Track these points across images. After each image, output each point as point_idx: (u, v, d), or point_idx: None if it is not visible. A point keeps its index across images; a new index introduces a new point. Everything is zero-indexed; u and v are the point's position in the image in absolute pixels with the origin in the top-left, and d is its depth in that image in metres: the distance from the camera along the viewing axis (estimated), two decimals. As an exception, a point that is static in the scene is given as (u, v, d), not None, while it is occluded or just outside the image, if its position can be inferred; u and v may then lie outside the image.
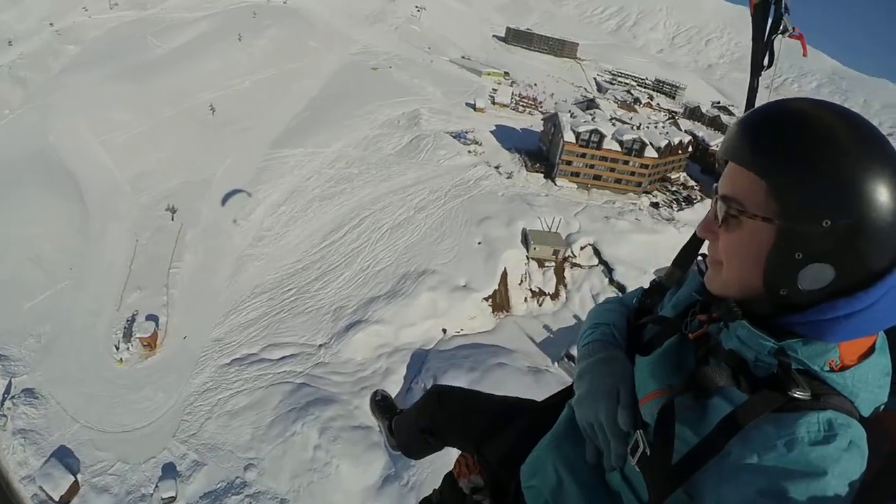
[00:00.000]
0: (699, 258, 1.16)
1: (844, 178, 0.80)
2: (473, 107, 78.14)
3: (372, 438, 33.06)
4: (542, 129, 68.97)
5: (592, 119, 64.16)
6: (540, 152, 66.76)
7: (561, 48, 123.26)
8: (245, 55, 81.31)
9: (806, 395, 0.85)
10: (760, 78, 1.58)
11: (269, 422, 35.31)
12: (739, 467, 0.84)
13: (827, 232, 0.82)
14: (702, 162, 79.50)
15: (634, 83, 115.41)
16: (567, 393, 1.42)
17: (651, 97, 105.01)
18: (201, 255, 50.79)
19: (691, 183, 75.53)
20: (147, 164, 60.12)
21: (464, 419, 1.72)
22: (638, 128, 65.92)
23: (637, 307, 1.41)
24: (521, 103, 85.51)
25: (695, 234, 1.32)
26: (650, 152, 62.67)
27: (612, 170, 62.84)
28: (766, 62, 1.51)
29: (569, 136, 59.51)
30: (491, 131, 71.51)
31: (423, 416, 1.94)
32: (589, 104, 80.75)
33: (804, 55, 1.51)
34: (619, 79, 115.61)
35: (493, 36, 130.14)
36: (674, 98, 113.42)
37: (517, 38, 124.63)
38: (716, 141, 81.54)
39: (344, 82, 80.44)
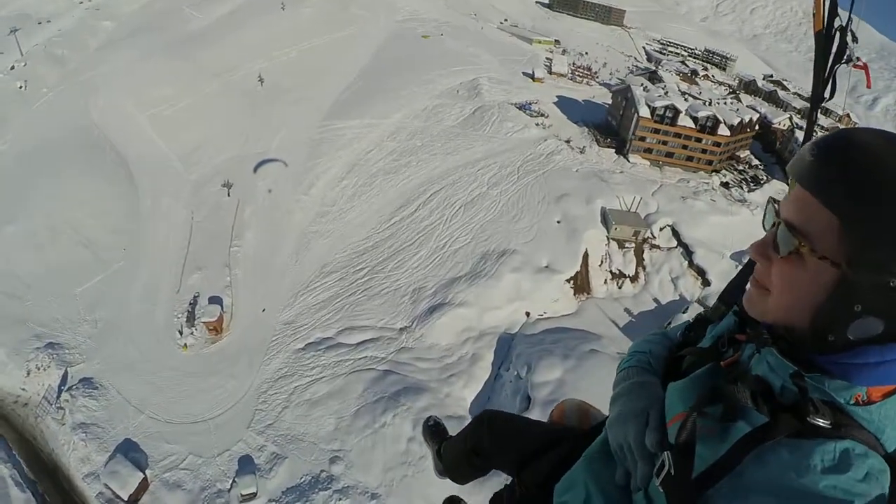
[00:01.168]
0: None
1: None
2: (532, 76, 74.62)
3: (459, 420, 31.97)
4: (609, 101, 65.86)
5: (665, 93, 61.07)
6: (609, 126, 63.79)
7: (608, 15, 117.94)
8: (289, 24, 77.57)
9: (826, 423, 0.84)
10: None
11: (353, 412, 33.73)
12: (751, 488, 0.84)
13: (892, 290, 0.80)
14: (764, 140, 76.39)
15: (685, 53, 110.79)
16: (604, 420, 1.40)
17: (705, 69, 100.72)
18: (262, 233, 48.71)
19: (755, 162, 72.80)
20: (197, 139, 57.60)
21: (508, 443, 1.81)
22: (709, 104, 62.86)
23: (681, 340, 1.44)
24: (577, 73, 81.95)
25: (742, 270, 1.39)
26: (723, 130, 59.72)
27: (685, 147, 60.00)
28: (827, 93, 1.41)
29: (644, 112, 56.59)
30: (554, 103, 68.17)
31: (472, 438, 2.03)
32: (651, 76, 77.25)
33: (868, 87, 1.93)
34: (669, 48, 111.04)
35: (536, 2, 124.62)
36: (724, 70, 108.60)
37: (562, 4, 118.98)
38: (779, 119, 78.32)
39: (395, 51, 76.79)
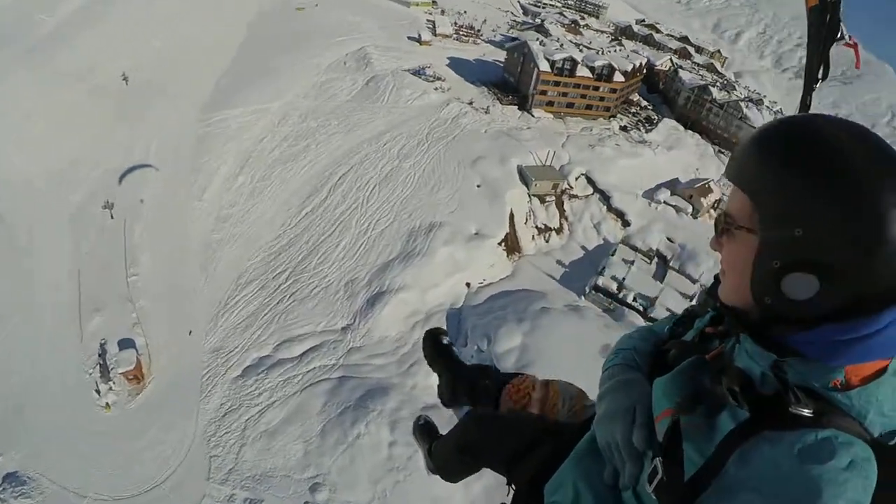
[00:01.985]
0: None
1: (814, 185, 0.84)
2: (418, 40, 72.69)
3: (446, 414, 30.72)
4: (501, 59, 66.13)
5: (561, 46, 62.34)
6: (507, 83, 64.02)
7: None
8: (150, 12, 68.62)
9: (808, 412, 0.86)
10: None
11: (319, 431, 31.08)
12: (737, 486, 0.85)
13: (799, 239, 0.87)
14: (648, 82, 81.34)
15: (560, 4, 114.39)
16: (593, 417, 1.42)
17: (583, 17, 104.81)
18: (160, 253, 42.89)
19: (644, 103, 77.30)
20: (68, 156, 49.22)
21: (497, 441, 1.77)
22: (601, 52, 65.24)
23: (668, 335, 1.45)
24: (461, 33, 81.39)
25: None
26: (618, 77, 62.52)
27: (584, 96, 62.06)
28: (820, 74, 1.42)
29: (544, 66, 57.42)
30: (447, 65, 66.97)
31: (461, 437, 1.99)
32: (538, 28, 78.61)
33: (857, 67, 1.47)
34: (544, 1, 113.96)
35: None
36: (598, 17, 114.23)
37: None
38: (661, 60, 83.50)
39: (269, 27, 71.00)
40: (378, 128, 54.84)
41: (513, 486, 1.65)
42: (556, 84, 59.44)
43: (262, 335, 37.48)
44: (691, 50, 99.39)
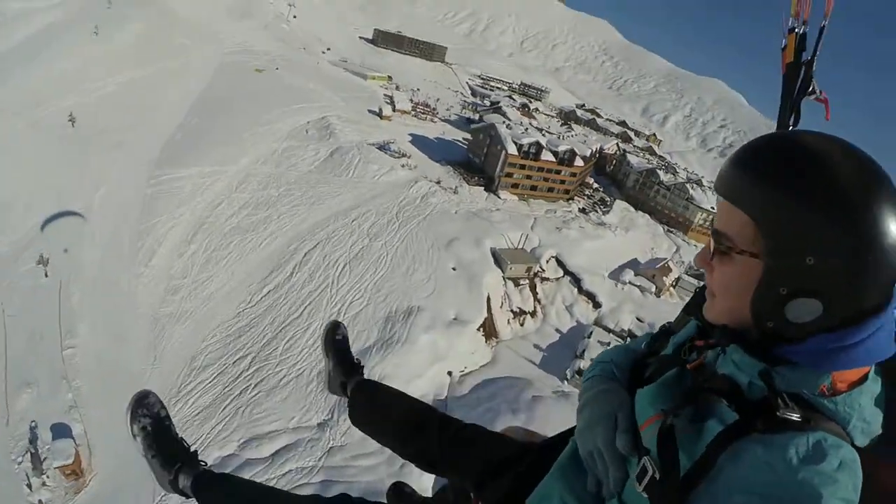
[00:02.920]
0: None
1: (826, 216, 0.85)
2: (379, 114, 74.33)
3: None
4: (459, 138, 68.57)
5: (526, 130, 65.77)
6: (471, 164, 65.97)
7: (431, 52, 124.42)
8: (105, 52, 65.72)
9: (796, 416, 0.90)
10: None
11: None
12: (729, 488, 0.88)
13: (810, 269, 0.88)
14: (596, 165, 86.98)
15: (505, 87, 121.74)
16: (570, 432, 1.46)
17: (530, 101, 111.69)
18: (101, 325, 38.74)
19: (595, 185, 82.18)
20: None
21: (463, 455, 1.74)
22: (561, 137, 69.36)
23: (646, 352, 1.47)
24: (419, 110, 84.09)
25: (704, 284, 1.40)
26: (578, 161, 66.37)
27: (546, 179, 65.01)
28: (791, 122, 1.59)
29: (511, 149, 59.96)
30: (409, 141, 68.62)
31: (417, 442, 1.90)
32: (495, 109, 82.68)
33: (826, 119, 1.54)
34: (491, 83, 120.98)
35: (360, 38, 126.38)
36: (541, 101, 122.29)
37: (387, 40, 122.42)
38: (608, 145, 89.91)
39: (228, 86, 69.94)
40: (344, 203, 54.06)
41: (480, 501, 1.61)
42: (522, 167, 62.00)
43: (224, 430, 33.89)
44: (631, 133, 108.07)
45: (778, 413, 0.90)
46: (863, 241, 0.84)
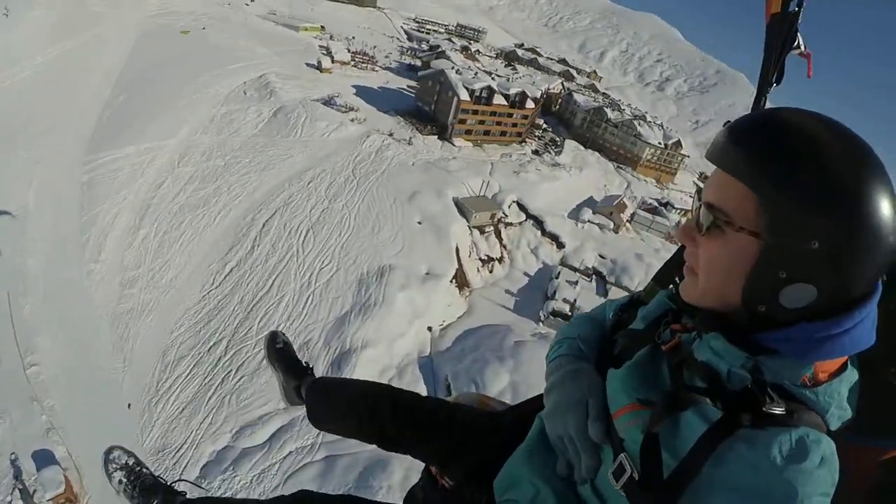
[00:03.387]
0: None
1: (838, 203, 0.82)
2: (318, 67, 70.50)
3: None
4: (416, 86, 66.25)
5: (475, 75, 64.15)
6: (420, 112, 64.06)
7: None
8: (17, 34, 58.48)
9: (780, 410, 0.88)
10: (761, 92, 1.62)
11: None
12: (714, 488, 0.87)
13: (814, 253, 0.85)
14: (542, 106, 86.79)
15: (442, 30, 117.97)
16: (534, 404, 1.46)
17: (470, 43, 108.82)
18: (60, 334, 35.53)
19: (544, 126, 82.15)
20: None
21: (426, 431, 1.71)
22: (510, 80, 68.30)
23: (613, 322, 1.43)
24: (358, 59, 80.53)
25: (677, 252, 1.43)
26: (529, 103, 65.77)
27: (499, 123, 64.26)
28: (774, 79, 1.55)
29: (463, 95, 58.46)
30: (354, 94, 65.77)
31: (376, 420, 1.85)
32: (438, 55, 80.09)
33: (808, 76, 1.53)
34: (427, 26, 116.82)
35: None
36: (478, 42, 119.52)
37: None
38: (553, 84, 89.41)
39: (154, 53, 64.04)
40: (297, 165, 51.76)
41: (446, 478, 1.58)
42: (475, 112, 60.89)
43: (213, 423, 32.72)
44: (573, 72, 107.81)
45: (763, 408, 0.88)
46: (864, 230, 0.83)
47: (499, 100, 62.04)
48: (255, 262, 43.00)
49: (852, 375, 0.98)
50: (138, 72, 60.10)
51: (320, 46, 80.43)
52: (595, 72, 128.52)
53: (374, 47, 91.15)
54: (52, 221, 41.57)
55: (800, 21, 1.49)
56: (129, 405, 31.84)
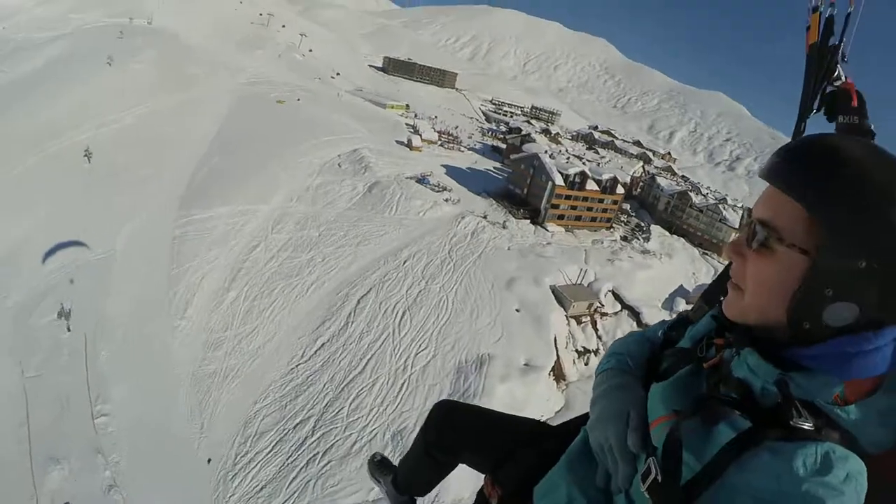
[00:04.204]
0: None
1: (887, 222, 0.84)
2: (408, 145, 72.64)
3: None
4: (509, 169, 66.98)
5: (568, 160, 64.53)
6: (512, 195, 64.26)
7: (442, 78, 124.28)
8: (120, 82, 63.47)
9: (808, 425, 0.90)
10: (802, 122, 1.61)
11: None
12: (735, 493, 0.89)
13: (861, 272, 0.87)
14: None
15: (518, 111, 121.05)
16: (583, 419, 1.50)
17: (548, 125, 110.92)
18: (136, 386, 34.85)
19: (628, 211, 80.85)
20: (13, 239, 41.68)
21: (478, 437, 1.78)
22: (599, 164, 68.21)
23: (662, 340, 1.45)
24: (443, 139, 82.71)
25: (722, 272, 1.44)
26: (619, 189, 65.11)
27: (590, 209, 63.54)
28: (815, 106, 1.54)
29: (558, 180, 58.49)
30: (445, 173, 66.88)
31: (430, 433, 1.94)
32: (524, 138, 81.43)
33: (853, 105, 1.46)
34: (503, 108, 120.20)
35: (370, 66, 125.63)
36: (553, 123, 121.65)
37: (398, 67, 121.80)
38: (635, 168, 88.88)
39: (249, 118, 67.69)
40: (392, 242, 51.74)
41: (497, 486, 1.61)
42: (568, 198, 60.47)
43: (295, 509, 31.09)
44: (650, 154, 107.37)
45: (791, 422, 0.91)
46: None
47: (591, 185, 61.56)
48: (348, 339, 42.07)
49: (886, 398, 0.96)
50: (234, 135, 62.97)
51: (407, 124, 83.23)
52: (669, 153, 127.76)
53: (457, 127, 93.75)
54: (140, 270, 42.15)
55: (841, 56, 1.50)
56: (208, 460, 30.41)
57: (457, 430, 1.86)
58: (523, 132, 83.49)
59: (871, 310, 0.90)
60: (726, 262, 1.20)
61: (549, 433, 1.68)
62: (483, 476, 1.74)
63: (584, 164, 65.71)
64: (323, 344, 41.77)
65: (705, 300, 1.50)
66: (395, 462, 2.44)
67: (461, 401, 1.92)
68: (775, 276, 0.96)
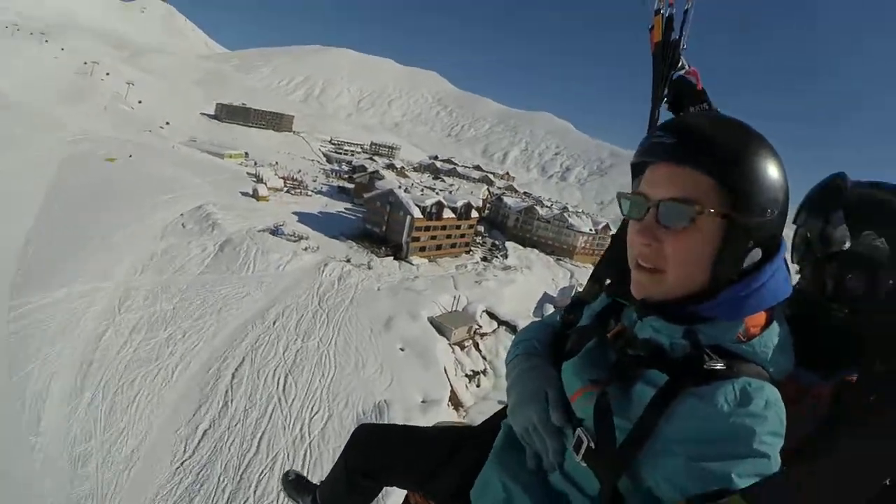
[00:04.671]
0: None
1: (777, 175, 1.01)
2: (254, 196, 69.59)
3: None
4: (364, 208, 66.64)
5: (422, 192, 66.15)
6: (371, 234, 64.09)
7: (279, 122, 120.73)
8: None
9: (720, 365, 0.99)
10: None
11: None
12: (670, 442, 0.97)
13: (769, 220, 1.01)
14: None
15: (358, 149, 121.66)
16: (502, 414, 1.56)
17: (391, 160, 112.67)
18: None
19: (482, 232, 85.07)
20: None
21: (406, 454, 1.75)
22: (451, 192, 71.02)
23: (562, 324, 1.55)
24: (289, 185, 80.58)
25: (608, 250, 1.69)
26: (473, 213, 68.36)
27: (449, 236, 65.77)
28: (665, 95, 1.76)
29: (416, 212, 59.66)
30: (297, 221, 64.87)
31: (354, 458, 1.89)
32: (372, 177, 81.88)
33: (699, 88, 1.70)
34: (343, 147, 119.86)
35: (202, 113, 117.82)
36: (394, 158, 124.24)
37: (232, 114, 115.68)
38: (482, 190, 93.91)
39: (79, 181, 59.14)
40: (257, 303, 48.61)
41: (430, 500, 1.66)
42: (427, 229, 61.95)
43: None
44: (491, 177, 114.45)
45: (704, 366, 0.98)
46: (787, 193, 1.02)
47: (448, 213, 63.90)
48: (232, 419, 38.32)
49: (781, 325, 1.09)
50: (63, 202, 55.05)
51: (249, 173, 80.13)
52: (508, 173, 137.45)
53: (300, 171, 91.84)
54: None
55: (683, 46, 1.67)
56: None
57: (383, 451, 1.80)
58: (370, 170, 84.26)
59: (769, 248, 1.05)
60: (603, 251, 1.36)
61: (473, 435, 1.67)
62: (405, 493, 1.76)
63: (437, 193, 67.84)
64: (205, 432, 37.49)
65: (594, 279, 1.58)
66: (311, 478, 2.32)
67: (376, 423, 1.84)
68: (700, 246, 1.01)
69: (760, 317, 1.07)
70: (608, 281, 1.45)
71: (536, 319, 1.62)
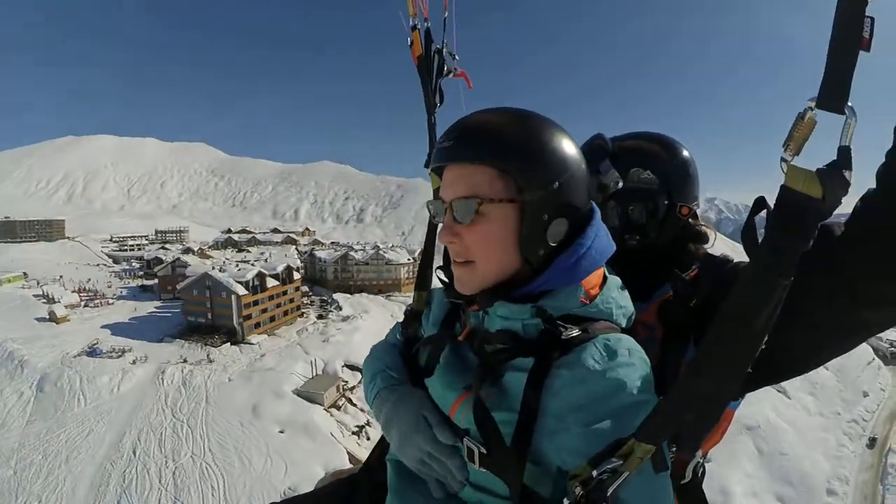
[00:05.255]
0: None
1: (552, 147, 1.06)
2: (52, 319, 61.30)
3: None
4: (182, 300, 62.04)
5: (237, 267, 64.06)
6: (197, 326, 60.32)
7: (49, 230, 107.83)
8: None
9: (576, 331, 1.03)
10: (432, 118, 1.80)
11: None
12: (559, 415, 0.99)
13: (557, 191, 1.06)
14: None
15: (146, 241, 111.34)
16: (380, 448, 1.57)
17: (184, 244, 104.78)
18: None
19: (304, 288, 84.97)
20: None
21: None
22: (267, 259, 70.17)
23: (403, 340, 1.56)
24: (87, 298, 72.45)
25: (423, 259, 1.77)
26: (295, 274, 68.57)
27: (279, 305, 65.06)
28: (437, 101, 1.80)
29: (240, 290, 57.73)
30: (112, 335, 58.82)
31: None
32: (173, 266, 76.17)
33: (469, 87, 1.77)
34: (127, 243, 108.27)
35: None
36: (185, 241, 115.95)
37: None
38: (290, 252, 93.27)
39: None
40: (106, 436, 43.62)
41: None
42: (256, 303, 60.63)
43: None
44: (294, 236, 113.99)
45: (563, 337, 1.02)
46: (573, 163, 1.09)
47: (271, 282, 63.32)
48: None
49: (614, 279, 1.20)
50: None
51: (36, 296, 70.25)
52: (308, 228, 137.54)
53: (90, 280, 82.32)
54: None
55: (454, 56, 1.76)
56: None
57: None
58: (169, 259, 78.44)
59: (573, 217, 1.10)
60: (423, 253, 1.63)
61: (363, 480, 1.59)
62: None
63: (252, 265, 66.56)
64: None
65: (419, 287, 1.60)
66: None
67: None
68: (498, 232, 1.07)
69: (596, 277, 1.14)
70: (436, 285, 1.44)
71: (377, 342, 1.61)
